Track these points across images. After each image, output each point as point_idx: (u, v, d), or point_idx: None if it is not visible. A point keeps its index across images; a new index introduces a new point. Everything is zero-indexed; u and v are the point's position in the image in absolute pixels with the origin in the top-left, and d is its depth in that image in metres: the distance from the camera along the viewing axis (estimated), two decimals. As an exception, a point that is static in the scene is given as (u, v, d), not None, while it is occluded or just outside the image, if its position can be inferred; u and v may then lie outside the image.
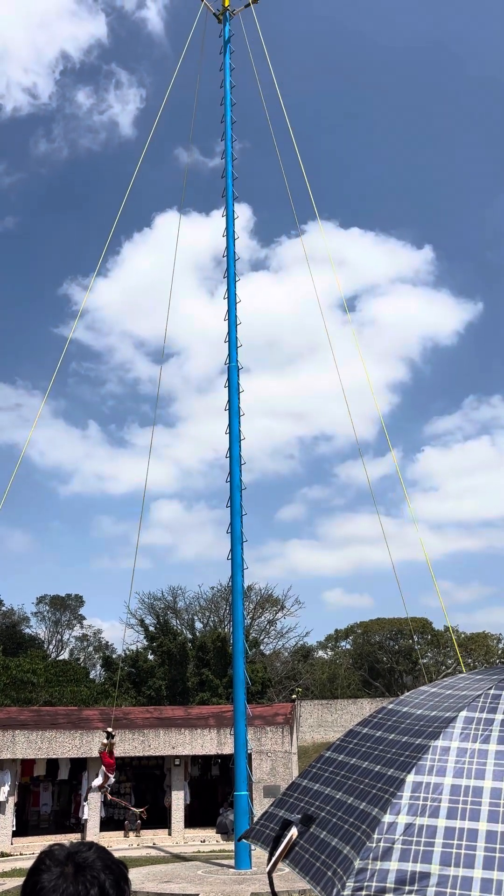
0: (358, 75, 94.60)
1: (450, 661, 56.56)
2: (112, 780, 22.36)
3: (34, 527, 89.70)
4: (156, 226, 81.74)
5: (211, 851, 21.66)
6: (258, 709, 27.20)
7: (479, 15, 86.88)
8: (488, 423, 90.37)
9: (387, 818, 2.07)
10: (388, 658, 58.74)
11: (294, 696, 35.52)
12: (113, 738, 22.22)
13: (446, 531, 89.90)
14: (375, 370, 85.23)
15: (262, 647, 51.73)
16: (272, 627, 54.22)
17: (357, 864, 1.98)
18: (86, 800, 24.12)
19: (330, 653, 63.10)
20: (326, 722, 37.94)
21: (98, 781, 22.70)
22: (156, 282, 77.54)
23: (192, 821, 25.48)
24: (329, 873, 2.08)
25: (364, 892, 1.94)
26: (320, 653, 62.57)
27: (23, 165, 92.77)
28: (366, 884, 1.94)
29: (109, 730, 22.52)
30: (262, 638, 52.56)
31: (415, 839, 2.01)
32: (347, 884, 1.95)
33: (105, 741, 22.35)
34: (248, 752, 18.99)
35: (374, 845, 2.02)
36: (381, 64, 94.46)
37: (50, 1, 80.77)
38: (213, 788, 27.85)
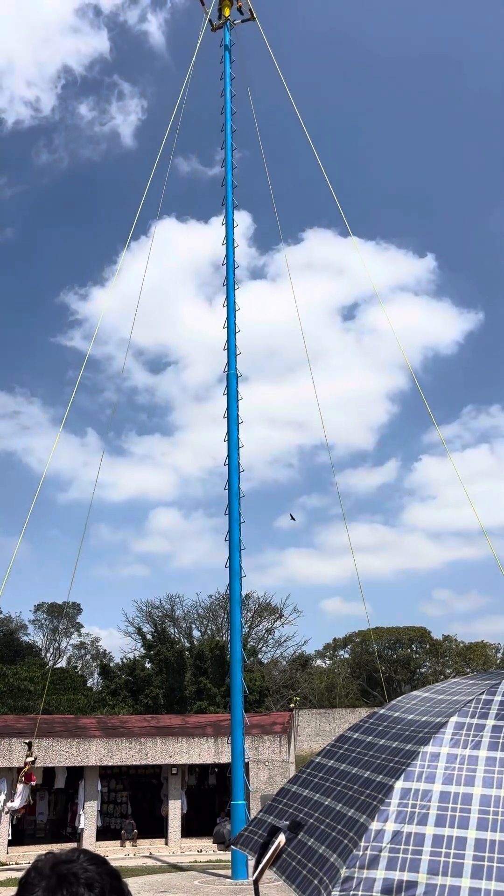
0: (359, 84, 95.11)
1: (448, 671, 56.44)
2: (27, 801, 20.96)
3: (32, 534, 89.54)
4: (153, 234, 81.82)
5: (208, 861, 21.54)
6: (256, 718, 27.10)
7: (483, 23, 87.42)
8: (487, 431, 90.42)
9: (374, 826, 2.03)
10: (386, 667, 58.59)
11: (292, 705, 35.42)
12: (32, 756, 20.81)
13: (445, 540, 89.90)
14: (375, 379, 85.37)
15: (260, 656, 51.60)
16: (270, 636, 54.12)
17: (343, 872, 1.94)
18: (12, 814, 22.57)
19: (328, 662, 62.95)
20: (324, 731, 37.78)
21: (17, 803, 20.81)
22: (153, 290, 77.68)
23: (188, 830, 25.35)
24: (315, 882, 2.04)
25: None
26: (318, 662, 62.43)
27: (24, 177, 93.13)
28: (351, 893, 1.90)
29: (29, 741, 21.18)
30: (260, 646, 52.44)
31: (402, 847, 1.96)
32: (333, 893, 1.91)
33: (28, 759, 20.83)
34: (246, 761, 18.92)
35: (360, 853, 1.98)
36: (384, 72, 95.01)
37: (53, 16, 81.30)
38: (211, 798, 27.72)
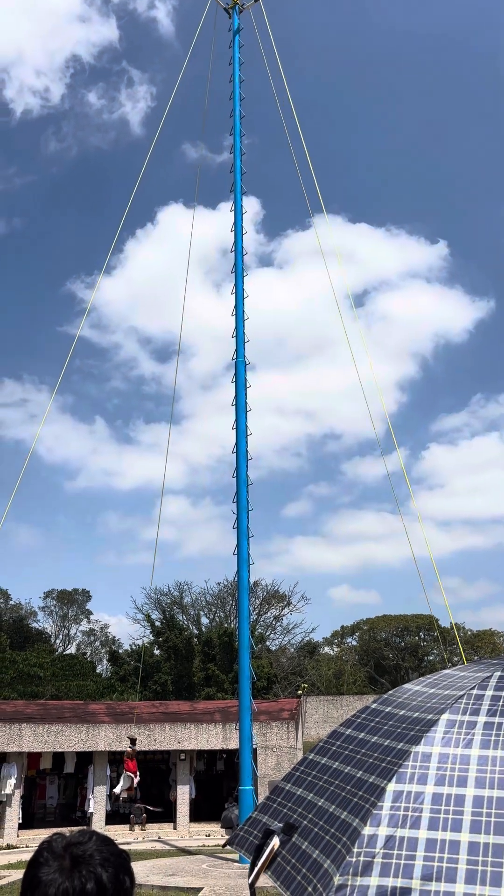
0: (370, 67, 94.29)
1: (455, 659, 56.51)
2: (136, 781, 23.15)
3: (41, 522, 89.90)
4: (160, 221, 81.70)
5: (216, 845, 21.71)
6: (264, 704, 27.23)
7: (498, 5, 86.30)
8: (497, 420, 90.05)
9: (367, 830, 2.00)
10: (394, 655, 58.73)
11: (299, 692, 35.57)
12: (135, 744, 23.33)
13: (453, 528, 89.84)
14: (385, 367, 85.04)
15: (267, 643, 51.79)
16: (278, 623, 54.29)
17: (337, 880, 1.91)
18: (116, 800, 24.55)
19: (336, 649, 63.12)
20: (332, 718, 37.92)
21: (124, 785, 23.18)
22: (160, 278, 77.50)
23: (197, 815, 25.55)
24: (309, 889, 2.02)
25: None
26: (326, 649, 62.61)
27: (33, 166, 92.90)
28: None
29: (132, 736, 23.33)
30: (267, 634, 52.61)
31: (395, 852, 1.94)
32: None
33: (129, 748, 23.16)
34: (254, 747, 19.00)
35: (354, 860, 1.95)
36: (395, 56, 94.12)
37: (62, 5, 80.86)
38: (219, 783, 27.91)
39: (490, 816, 1.94)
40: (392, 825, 2.00)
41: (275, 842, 2.32)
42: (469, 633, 60.41)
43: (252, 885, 2.30)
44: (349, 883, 1.89)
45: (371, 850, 1.95)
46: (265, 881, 2.42)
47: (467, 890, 1.79)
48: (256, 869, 2.31)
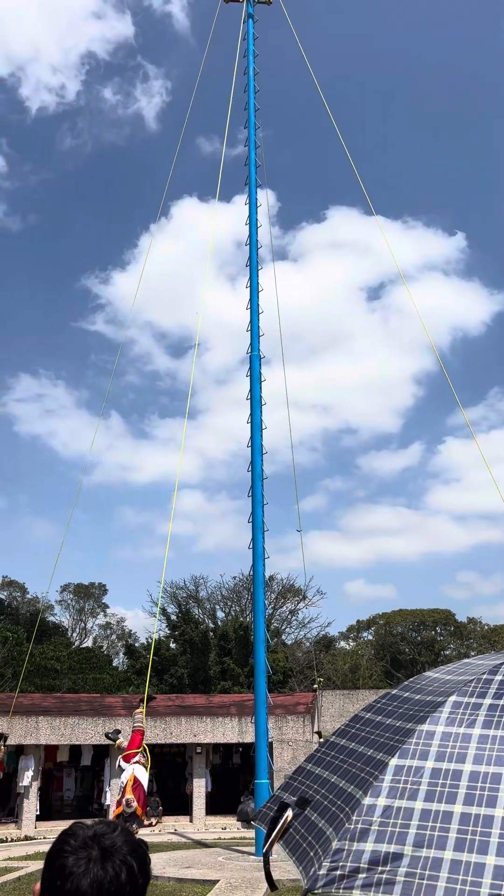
0: (387, 58, 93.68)
1: (472, 653, 56.26)
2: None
3: (57, 516, 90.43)
4: (174, 216, 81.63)
5: (232, 838, 21.79)
6: (279, 698, 27.27)
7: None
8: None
9: (367, 801, 2.10)
10: (410, 649, 58.61)
11: (315, 686, 35.54)
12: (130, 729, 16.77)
13: (469, 522, 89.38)
14: (402, 361, 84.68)
15: (283, 637, 51.84)
16: (294, 617, 54.31)
17: (335, 844, 2.02)
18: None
19: (352, 643, 63.07)
20: (348, 712, 37.88)
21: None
22: (175, 272, 77.50)
23: (213, 808, 25.65)
24: (311, 854, 2.13)
25: (338, 872, 1.97)
26: (342, 643, 62.57)
27: (48, 163, 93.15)
28: (340, 864, 1.98)
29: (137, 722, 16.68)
30: (283, 628, 52.66)
31: (391, 821, 2.03)
32: (324, 863, 1.99)
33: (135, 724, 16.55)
34: (270, 740, 19.03)
35: (352, 826, 2.05)
36: (414, 46, 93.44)
37: (77, 3, 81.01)
38: (235, 777, 27.99)
39: (484, 790, 2.03)
40: (391, 796, 2.10)
41: (288, 813, 2.45)
42: (486, 627, 60.13)
43: (266, 855, 2.42)
44: (346, 847, 2.00)
45: (369, 819, 2.05)
46: (280, 875, 2.50)
47: (455, 857, 1.89)
48: (271, 839, 2.42)
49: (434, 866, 1.88)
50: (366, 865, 1.95)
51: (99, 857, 1.49)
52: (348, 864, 1.97)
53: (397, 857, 1.94)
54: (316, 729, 25.77)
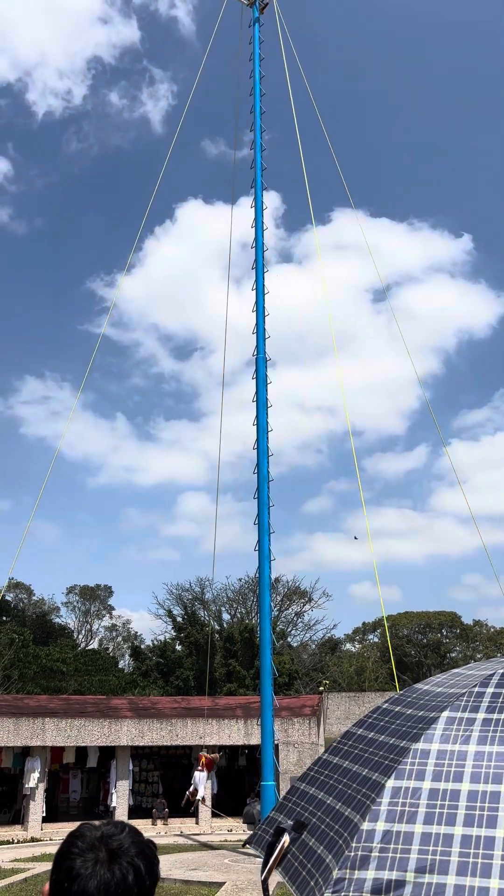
0: (392, 59, 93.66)
1: (478, 656, 56.14)
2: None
3: (63, 518, 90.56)
4: (178, 218, 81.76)
5: (237, 840, 21.78)
6: (285, 700, 27.25)
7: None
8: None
9: (365, 826, 2.06)
10: (416, 651, 58.50)
11: (321, 688, 35.53)
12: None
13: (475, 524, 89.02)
14: (408, 363, 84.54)
15: (289, 639, 51.82)
16: (299, 620, 54.27)
17: (335, 874, 1.98)
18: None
19: (357, 646, 62.98)
20: (354, 714, 37.86)
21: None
22: (180, 274, 77.55)
23: (219, 810, 25.61)
24: (311, 883, 2.09)
25: None
26: (348, 645, 62.49)
27: (54, 167, 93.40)
28: (343, 894, 1.94)
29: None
30: (289, 630, 52.63)
31: (392, 846, 2.00)
32: (326, 894, 1.95)
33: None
34: (275, 742, 19.01)
35: (352, 854, 2.01)
36: (418, 47, 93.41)
37: (82, 8, 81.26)
38: (241, 779, 27.98)
39: (483, 810, 1.99)
40: (389, 820, 2.06)
41: (285, 839, 2.39)
42: (492, 629, 60.00)
43: (264, 882, 2.36)
44: (347, 876, 1.96)
45: (368, 845, 2.01)
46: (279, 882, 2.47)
47: (458, 881, 1.85)
48: (268, 866, 2.38)
49: (438, 892, 1.85)
50: (369, 895, 1.91)
51: (106, 858, 1.49)
52: (350, 893, 1.93)
53: (400, 884, 1.90)
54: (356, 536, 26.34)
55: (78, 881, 1.46)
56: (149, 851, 1.56)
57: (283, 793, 22.60)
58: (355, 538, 56.53)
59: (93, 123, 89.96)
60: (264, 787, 17.94)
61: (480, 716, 2.25)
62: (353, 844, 2.02)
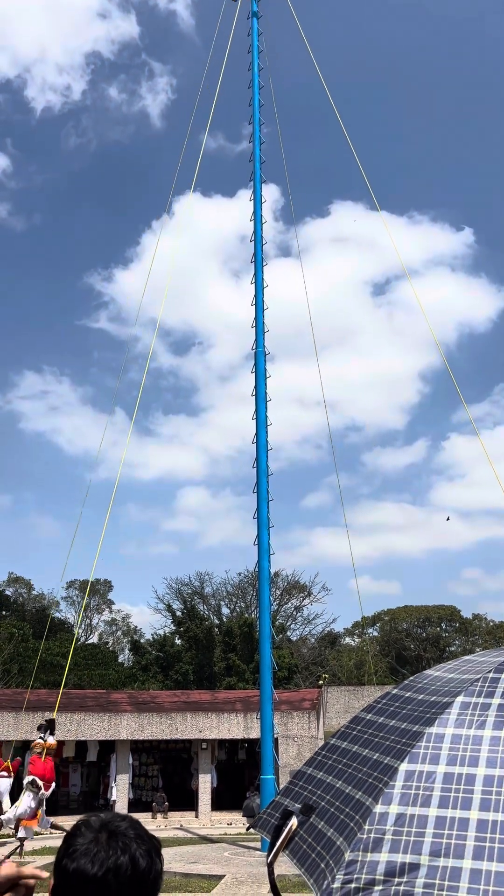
0: (392, 51, 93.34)
1: (477, 650, 56.25)
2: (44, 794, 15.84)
3: (63, 512, 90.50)
4: (175, 212, 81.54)
5: (237, 834, 21.84)
6: (285, 694, 27.30)
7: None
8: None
9: (378, 808, 2.04)
10: (415, 645, 58.61)
11: (321, 682, 35.59)
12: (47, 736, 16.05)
13: (475, 519, 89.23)
14: (408, 358, 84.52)
15: (288, 633, 51.89)
16: (299, 614, 54.35)
17: (347, 856, 1.96)
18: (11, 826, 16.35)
19: (357, 640, 63.09)
20: (353, 708, 37.95)
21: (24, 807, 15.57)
22: (179, 269, 77.27)
23: (218, 804, 25.70)
24: (322, 865, 2.07)
25: (353, 885, 1.91)
26: (347, 639, 62.60)
27: (52, 162, 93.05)
28: (355, 876, 1.92)
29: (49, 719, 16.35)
30: (288, 624, 52.71)
31: (405, 829, 1.98)
32: (337, 876, 1.94)
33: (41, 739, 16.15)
34: (275, 736, 19.05)
35: (364, 836, 1.99)
36: (418, 39, 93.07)
37: (81, 3, 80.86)
38: (240, 772, 28.05)
39: (500, 795, 1.98)
40: (403, 803, 2.04)
41: (293, 822, 2.38)
42: (491, 623, 60.10)
43: (270, 865, 2.35)
44: (359, 859, 1.95)
45: (382, 828, 2.00)
46: (285, 869, 2.46)
47: (474, 865, 1.84)
48: (275, 849, 2.36)
49: (453, 876, 1.83)
50: (382, 877, 1.89)
51: (105, 839, 1.55)
52: (363, 876, 1.91)
53: (414, 867, 1.88)
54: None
55: (76, 859, 1.52)
56: (149, 840, 1.61)
57: (282, 786, 22.67)
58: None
59: (91, 118, 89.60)
60: (264, 781, 17.98)
61: (496, 701, 2.23)
62: (366, 827, 2.00)
